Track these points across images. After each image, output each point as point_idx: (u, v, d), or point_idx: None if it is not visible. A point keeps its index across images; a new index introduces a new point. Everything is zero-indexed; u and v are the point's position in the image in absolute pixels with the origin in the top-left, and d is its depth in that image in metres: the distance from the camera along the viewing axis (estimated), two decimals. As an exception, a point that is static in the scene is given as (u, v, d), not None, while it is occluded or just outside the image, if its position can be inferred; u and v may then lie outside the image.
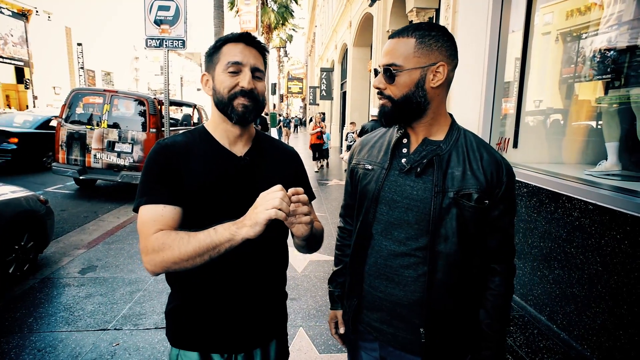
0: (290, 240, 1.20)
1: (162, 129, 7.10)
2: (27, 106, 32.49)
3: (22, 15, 31.40)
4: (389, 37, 1.09)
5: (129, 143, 6.83)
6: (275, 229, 1.04)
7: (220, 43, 1.09)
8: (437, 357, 1.09)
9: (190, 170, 1.07)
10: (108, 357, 2.42)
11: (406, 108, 1.05)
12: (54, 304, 3.08)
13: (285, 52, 37.32)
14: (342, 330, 1.30)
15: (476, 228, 1.05)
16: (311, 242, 1.13)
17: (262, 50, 1.12)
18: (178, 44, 4.23)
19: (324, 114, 19.39)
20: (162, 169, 1.07)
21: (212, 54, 1.10)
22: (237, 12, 23.21)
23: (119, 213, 6.29)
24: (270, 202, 0.90)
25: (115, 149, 6.85)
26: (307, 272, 3.62)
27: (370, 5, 8.39)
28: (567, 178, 2.79)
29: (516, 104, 4.36)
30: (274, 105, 28.55)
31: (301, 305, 3.06)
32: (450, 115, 1.14)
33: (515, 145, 4.16)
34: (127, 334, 2.69)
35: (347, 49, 15.04)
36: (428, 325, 1.07)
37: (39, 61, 33.80)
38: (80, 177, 6.90)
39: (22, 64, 32.03)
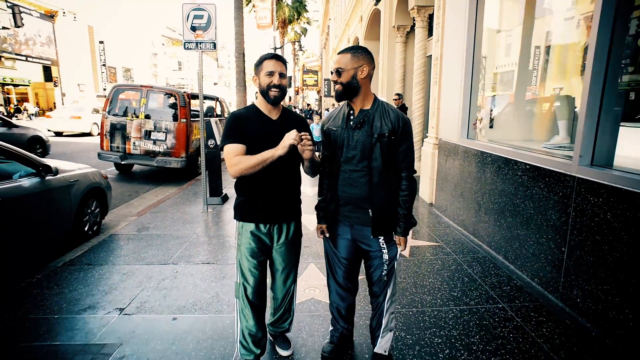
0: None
1: (192, 119, 8.06)
2: (54, 104, 34.24)
3: (50, 16, 32.92)
4: (338, 53, 1.97)
5: (163, 132, 7.81)
6: (293, 155, 1.92)
7: (262, 59, 1.98)
8: (379, 227, 1.96)
9: (249, 127, 1.95)
10: (172, 277, 3.35)
11: (348, 90, 1.93)
12: (124, 250, 4.03)
13: (300, 45, 37.91)
14: (326, 235, 2.15)
15: (389, 152, 1.91)
16: (313, 166, 2.00)
17: (284, 62, 2.01)
18: (210, 46, 5.12)
19: (327, 110, 20.18)
20: (235, 126, 1.95)
21: (258, 65, 1.99)
22: (253, 7, 23.99)
23: (157, 192, 7.29)
24: (290, 136, 1.80)
25: (151, 137, 7.84)
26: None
27: (376, 4, 9.10)
28: (516, 147, 3.56)
29: (491, 92, 5.13)
30: (290, 98, 29.41)
31: (312, 250, 3.95)
32: (374, 94, 2.01)
33: (491, 126, 4.93)
34: (182, 266, 3.61)
35: (358, 43, 15.74)
36: (372, 208, 1.94)
37: (65, 60, 35.45)
38: (122, 162, 7.93)
39: (49, 63, 33.70)
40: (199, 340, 2.46)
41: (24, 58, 30.50)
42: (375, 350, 2.17)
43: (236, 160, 1.87)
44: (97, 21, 41.36)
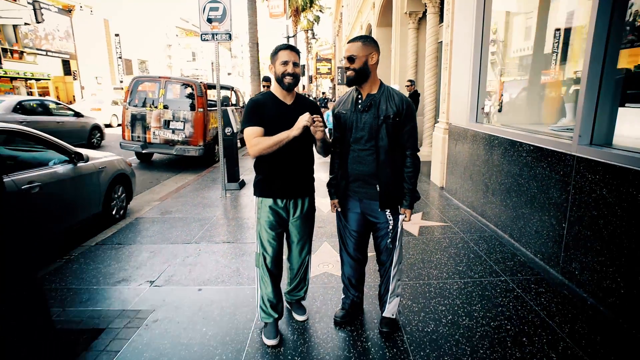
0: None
1: (208, 109, 8.32)
2: (73, 97, 35.13)
3: (68, 10, 33.57)
4: (351, 42, 2.12)
5: (181, 121, 8.10)
6: (306, 137, 2.11)
7: (278, 50, 2.15)
8: (386, 200, 2.15)
9: (265, 111, 2.15)
10: (196, 255, 3.63)
11: (360, 75, 2.10)
12: (150, 231, 4.33)
13: (313, 33, 37.70)
14: (338, 209, 2.35)
15: (394, 133, 2.09)
16: (325, 146, 2.20)
17: (297, 52, 2.19)
18: (225, 37, 5.32)
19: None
20: (254, 111, 2.15)
21: (274, 55, 2.16)
22: (266, -4, 23.97)
23: (177, 179, 7.60)
24: (304, 119, 2.00)
25: (170, 127, 8.14)
26: (329, 212, 4.69)
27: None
28: (521, 130, 3.67)
29: (507, 77, 5.19)
30: (303, 87, 29.50)
31: (325, 230, 4.18)
32: (380, 79, 2.17)
33: (500, 110, 5.02)
34: (205, 245, 3.88)
35: (371, 30, 15.69)
36: (379, 183, 2.13)
37: (82, 53, 36.19)
38: (143, 151, 8.27)
39: (68, 57, 34.47)
40: (222, 307, 2.71)
41: (44, 53, 31.28)
42: (383, 314, 2.39)
43: (255, 141, 2.07)
44: (113, 14, 41.96)
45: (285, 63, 2.13)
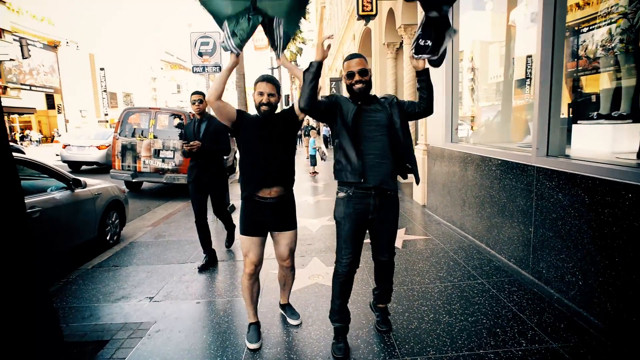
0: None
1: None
2: (56, 131, 34.97)
3: (53, 46, 33.99)
4: (354, 57, 2.35)
5: (171, 150, 8.32)
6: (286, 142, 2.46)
7: (256, 81, 2.44)
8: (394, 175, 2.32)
9: (246, 120, 2.45)
10: (191, 273, 3.78)
11: (369, 87, 2.32)
12: (145, 253, 4.46)
13: (297, 64, 38.83)
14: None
15: (404, 113, 2.31)
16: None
17: (274, 82, 2.45)
18: (215, 69, 5.68)
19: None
20: (239, 111, 2.45)
21: (254, 85, 2.45)
22: (249, 31, 24.88)
23: (167, 206, 7.75)
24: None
25: (160, 156, 8.34)
26: (318, 231, 4.93)
27: (365, 24, 9.78)
28: (490, 146, 4.05)
29: (471, 102, 5.64)
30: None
31: (314, 247, 4.40)
32: None
33: (474, 131, 5.44)
34: (199, 264, 4.05)
35: (351, 60, 16.46)
36: (393, 162, 2.29)
37: (67, 87, 36.37)
38: (133, 180, 8.41)
39: (52, 91, 34.59)
40: (220, 316, 2.89)
41: (28, 87, 31.35)
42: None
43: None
44: (98, 49, 42.53)
45: (261, 94, 2.41)
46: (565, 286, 2.75)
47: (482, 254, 3.91)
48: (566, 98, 3.86)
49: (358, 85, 2.26)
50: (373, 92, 2.42)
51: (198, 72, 5.65)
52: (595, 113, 3.55)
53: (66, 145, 13.23)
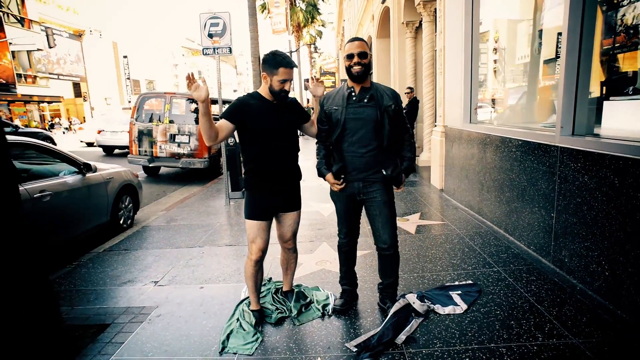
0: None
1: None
2: (84, 118, 35.99)
3: (78, 35, 34.69)
4: (355, 40, 2.28)
5: (187, 135, 8.33)
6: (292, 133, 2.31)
7: (277, 65, 2.22)
8: (388, 181, 2.32)
9: (251, 109, 2.27)
10: (199, 257, 3.75)
11: (368, 70, 2.29)
12: (156, 238, 4.47)
13: (316, 48, 38.30)
14: (341, 182, 2.39)
15: (395, 120, 2.29)
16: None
17: (295, 67, 2.30)
18: (226, 51, 5.54)
19: None
20: (235, 109, 2.27)
21: (273, 68, 2.23)
22: (269, 13, 24.58)
23: (182, 191, 7.79)
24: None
25: (176, 140, 8.37)
26: (330, 216, 4.80)
27: (383, 1, 9.39)
28: (510, 126, 3.78)
29: (496, 84, 5.31)
30: (307, 100, 29.91)
31: (325, 232, 4.29)
32: None
33: (495, 111, 5.12)
34: (208, 248, 4.01)
35: (371, 41, 16.00)
36: (384, 168, 2.30)
37: (92, 75, 37.23)
38: (150, 165, 8.50)
39: (78, 79, 35.48)
40: (222, 302, 2.82)
41: (56, 77, 32.23)
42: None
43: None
44: (121, 37, 43.19)
45: (284, 82, 2.25)
46: (589, 276, 2.53)
47: (500, 241, 3.69)
48: (598, 76, 3.55)
49: (356, 68, 2.27)
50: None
51: (208, 54, 5.53)
52: (631, 87, 3.22)
53: (101, 131, 13.94)
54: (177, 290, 3.05)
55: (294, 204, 2.50)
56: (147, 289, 3.11)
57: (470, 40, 4.70)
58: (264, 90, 2.35)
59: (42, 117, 32.38)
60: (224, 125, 2.25)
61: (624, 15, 3.31)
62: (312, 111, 2.65)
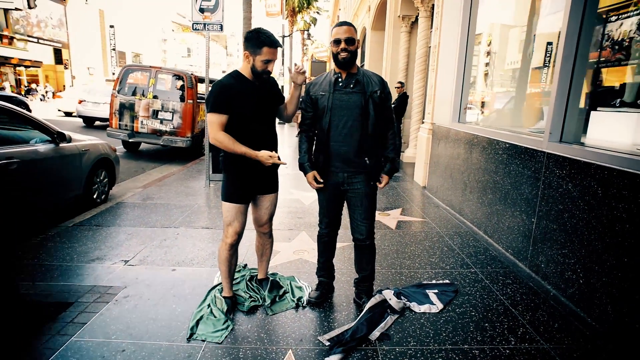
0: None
1: (198, 101, 8.31)
2: (64, 86, 34.60)
3: (62, -1, 33.12)
4: (343, 25, 2.19)
5: (170, 112, 8.07)
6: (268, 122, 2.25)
7: (262, 45, 2.11)
8: (371, 173, 2.28)
9: (232, 91, 2.15)
10: (173, 238, 3.63)
11: (354, 57, 2.21)
12: (130, 215, 4.31)
13: (309, 34, 37.75)
14: (321, 184, 2.37)
15: (381, 107, 2.24)
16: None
17: (280, 47, 2.20)
18: (217, 28, 5.33)
19: None
20: (221, 97, 2.12)
21: (256, 47, 2.11)
22: (263, -5, 24.01)
23: (162, 169, 7.57)
24: (267, 158, 2.14)
25: (159, 117, 8.10)
26: (311, 205, 4.74)
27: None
28: (498, 129, 3.77)
29: (485, 87, 5.29)
30: (282, 87, 29.64)
31: (305, 221, 4.22)
32: None
33: (482, 114, 5.12)
34: (183, 230, 3.88)
35: (365, 33, 15.83)
36: (368, 157, 2.26)
37: (75, 43, 35.71)
38: (130, 140, 8.22)
39: (60, 45, 33.95)
40: (194, 287, 2.73)
41: (35, 40, 30.79)
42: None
43: (222, 136, 2.13)
44: (108, 5, 41.51)
45: (268, 62, 2.15)
46: (564, 283, 2.55)
47: (479, 242, 3.70)
48: (584, 88, 3.57)
49: (343, 54, 2.20)
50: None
51: (198, 29, 5.31)
52: (618, 100, 3.24)
53: (82, 101, 13.55)
54: (148, 271, 2.94)
55: (272, 186, 2.43)
56: (116, 268, 2.99)
57: (466, 38, 4.66)
58: (245, 70, 2.22)
59: (19, 82, 31.00)
60: (218, 120, 2.14)
61: (610, 30, 3.31)
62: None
